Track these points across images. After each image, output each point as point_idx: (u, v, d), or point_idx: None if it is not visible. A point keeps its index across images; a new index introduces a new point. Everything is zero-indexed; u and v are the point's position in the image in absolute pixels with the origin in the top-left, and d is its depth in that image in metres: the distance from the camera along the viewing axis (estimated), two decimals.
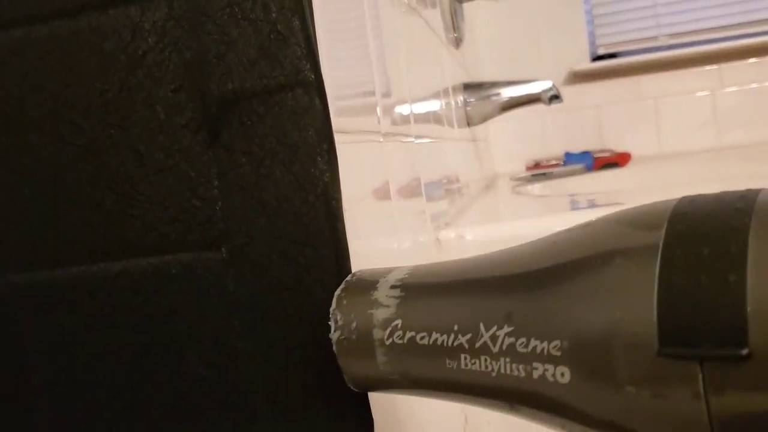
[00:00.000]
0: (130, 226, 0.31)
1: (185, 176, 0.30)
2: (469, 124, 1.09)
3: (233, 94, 0.30)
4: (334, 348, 0.27)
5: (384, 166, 0.42)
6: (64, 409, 0.32)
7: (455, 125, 0.99)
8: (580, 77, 1.66)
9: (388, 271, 0.28)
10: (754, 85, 1.59)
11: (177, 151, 0.30)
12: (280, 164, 0.29)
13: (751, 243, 0.19)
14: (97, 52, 0.31)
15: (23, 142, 0.31)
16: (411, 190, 0.50)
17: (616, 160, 1.44)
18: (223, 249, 0.30)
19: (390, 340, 0.26)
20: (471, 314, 0.24)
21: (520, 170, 1.65)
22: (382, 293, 0.27)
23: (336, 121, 0.31)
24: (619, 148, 1.62)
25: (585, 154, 1.46)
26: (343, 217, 0.29)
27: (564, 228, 0.26)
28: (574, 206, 0.59)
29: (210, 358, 0.30)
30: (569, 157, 1.46)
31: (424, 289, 0.26)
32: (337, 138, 0.30)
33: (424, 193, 0.53)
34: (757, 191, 0.21)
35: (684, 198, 0.22)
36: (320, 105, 0.29)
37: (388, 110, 0.46)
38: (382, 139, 0.43)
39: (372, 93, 0.42)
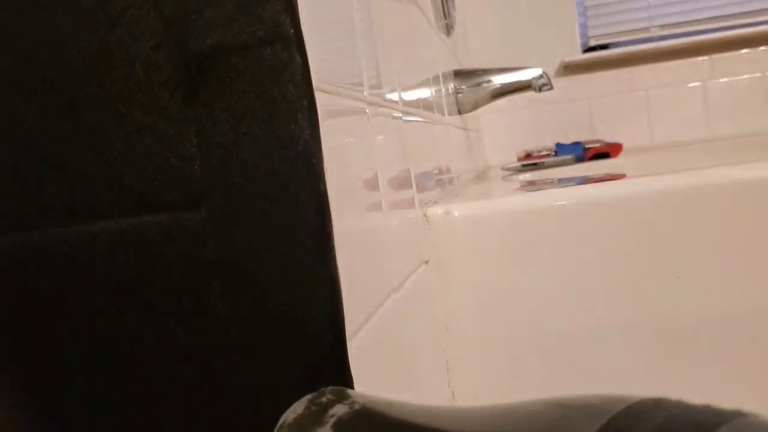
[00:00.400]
0: (108, 186, 0.30)
1: (164, 135, 0.30)
2: (460, 112, 1.09)
3: (212, 51, 0.29)
4: None
5: (372, 154, 0.42)
6: (37, 372, 0.31)
7: (446, 112, 0.99)
8: (571, 69, 1.66)
9: (339, 399, 0.27)
10: (745, 76, 1.59)
11: (155, 110, 0.30)
12: (259, 121, 0.29)
13: None
14: (74, 8, 0.30)
15: None
16: (401, 181, 0.49)
17: (607, 151, 1.43)
18: (202, 209, 0.30)
19: None
20: None
21: (512, 161, 1.65)
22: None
23: (318, 83, 0.30)
24: (611, 139, 1.62)
25: (576, 145, 1.46)
26: (324, 176, 0.29)
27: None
28: (563, 182, 0.58)
29: (189, 320, 0.30)
30: (560, 148, 1.46)
31: None
32: (320, 105, 0.30)
33: (414, 184, 0.53)
34: (721, 420, 0.18)
35: (636, 404, 0.20)
36: (300, 60, 0.29)
37: (375, 92, 0.46)
38: (368, 110, 0.42)
39: (360, 84, 0.42)
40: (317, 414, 0.27)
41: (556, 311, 0.52)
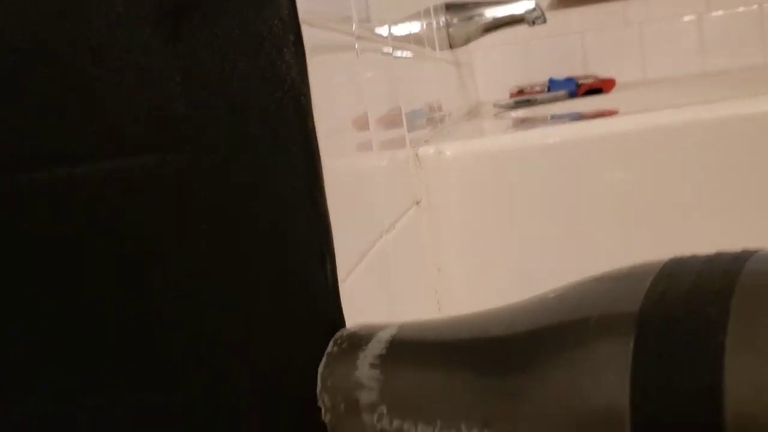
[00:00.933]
0: (90, 127, 0.29)
1: (145, 73, 0.29)
2: (451, 46, 1.07)
3: None
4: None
5: (361, 93, 0.41)
6: (18, 322, 0.31)
7: (437, 47, 0.96)
8: (564, 2, 1.62)
9: (367, 338, 0.27)
10: (741, 9, 1.56)
11: (136, 46, 0.28)
12: (244, 57, 0.28)
13: (732, 328, 0.18)
14: None
15: None
16: (391, 119, 0.48)
17: (600, 86, 1.42)
18: (188, 149, 0.29)
19: (380, 425, 0.25)
20: (452, 411, 0.23)
21: (505, 97, 1.63)
22: (364, 372, 0.25)
23: (305, 17, 0.29)
24: (604, 74, 1.60)
25: (569, 81, 1.44)
26: (312, 113, 0.28)
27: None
28: (555, 119, 0.58)
29: (176, 264, 0.29)
30: (553, 84, 1.44)
31: (405, 372, 0.25)
32: (308, 40, 0.28)
33: (405, 123, 0.52)
34: (748, 254, 0.19)
35: (670, 262, 0.21)
36: None
37: (364, 26, 0.44)
38: (357, 45, 0.41)
39: (349, 17, 0.40)
40: (350, 363, 0.26)
41: (549, 251, 0.52)
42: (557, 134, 0.51)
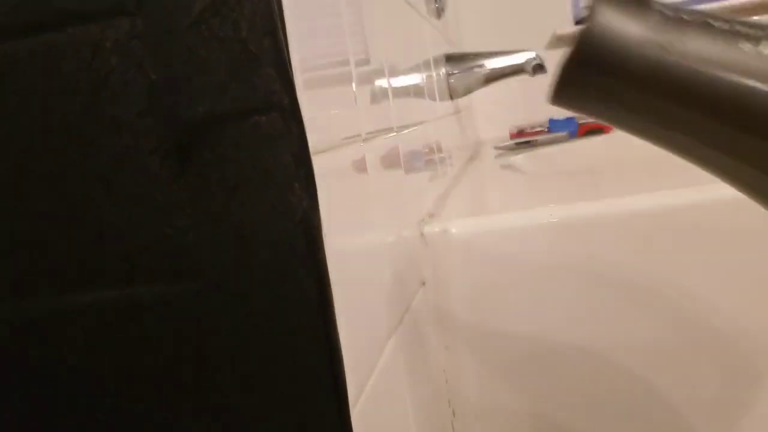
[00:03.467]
0: (99, 256, 0.29)
1: (155, 204, 0.29)
2: (452, 97, 1.07)
3: (203, 118, 0.28)
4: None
5: (360, 150, 0.41)
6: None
7: (437, 98, 0.97)
8: (563, 41, 1.63)
9: None
10: None
11: (146, 178, 0.29)
12: (255, 191, 0.28)
13: None
14: (55, 73, 0.29)
15: None
16: (390, 160, 0.48)
17: (600, 126, 1.42)
18: (197, 279, 0.29)
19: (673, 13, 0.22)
20: None
21: (504, 136, 1.64)
22: None
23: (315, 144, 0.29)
24: None
25: (569, 120, 1.44)
26: (323, 246, 0.28)
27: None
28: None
29: (187, 390, 0.29)
30: (553, 124, 1.44)
31: None
32: (318, 167, 0.29)
33: (404, 166, 0.52)
34: None
35: None
36: (296, 129, 0.27)
37: (364, 81, 0.44)
38: (362, 143, 0.41)
39: (346, 62, 0.41)
40: None
41: (555, 329, 0.52)
42: (563, 212, 0.51)
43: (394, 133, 0.51)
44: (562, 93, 0.25)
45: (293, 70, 0.28)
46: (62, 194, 0.29)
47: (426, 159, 0.70)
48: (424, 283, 0.51)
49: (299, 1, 0.32)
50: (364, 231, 0.39)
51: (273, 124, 0.27)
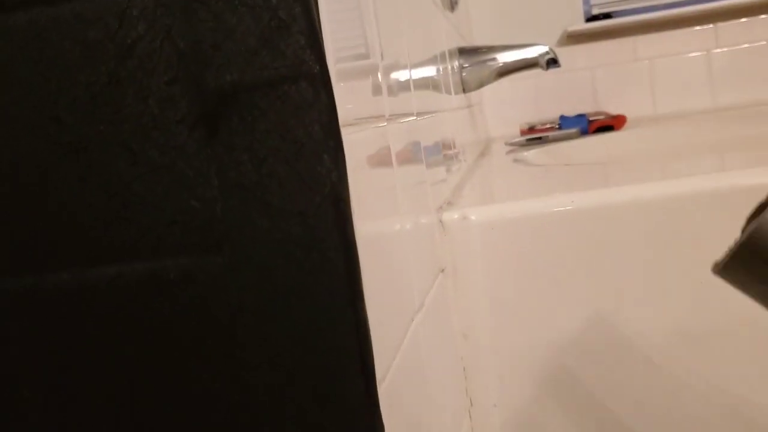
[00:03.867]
0: (124, 228, 0.29)
1: (182, 175, 0.28)
2: (464, 90, 1.07)
3: (232, 87, 0.27)
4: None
5: (384, 133, 0.40)
6: (57, 419, 0.30)
7: (452, 91, 0.96)
8: (574, 38, 1.63)
9: None
10: (749, 45, 1.56)
11: (172, 149, 0.28)
12: (283, 162, 0.27)
13: None
14: (81, 41, 0.28)
15: (2, 140, 0.29)
16: (410, 156, 0.48)
17: (611, 123, 1.42)
18: (224, 252, 0.28)
19: None
20: None
21: (515, 133, 1.63)
22: None
23: (341, 109, 0.29)
24: (614, 109, 1.60)
25: (580, 117, 1.44)
26: (352, 219, 0.27)
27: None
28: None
29: (213, 365, 0.29)
30: (564, 121, 1.44)
31: None
32: (347, 142, 0.28)
33: (424, 159, 0.51)
34: None
35: None
36: (326, 98, 0.27)
37: (386, 75, 0.44)
38: (386, 123, 0.41)
39: (369, 58, 0.40)
40: None
41: (574, 317, 0.51)
42: (583, 200, 0.50)
43: (414, 117, 0.50)
44: (728, 270, 0.30)
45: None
46: (87, 165, 0.29)
47: (443, 153, 0.69)
48: (443, 270, 0.50)
49: None
50: (385, 215, 0.39)
51: (302, 93, 0.27)
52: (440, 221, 0.51)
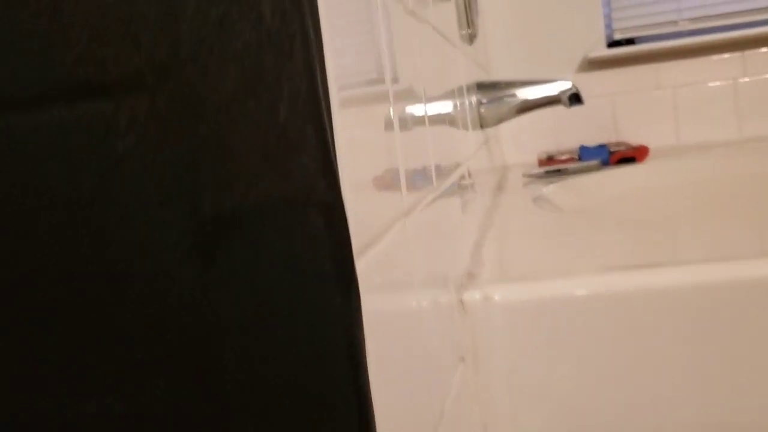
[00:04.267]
0: (110, 361, 0.25)
1: (173, 309, 0.25)
2: (482, 126, 1.03)
3: (232, 213, 0.24)
4: None
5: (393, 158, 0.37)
6: None
7: (469, 127, 0.93)
8: (595, 64, 1.59)
9: None
10: None
11: (162, 279, 0.24)
12: (288, 301, 0.24)
13: None
14: (61, 152, 0.25)
15: None
16: (421, 184, 0.44)
17: (633, 155, 1.37)
18: (218, 397, 0.25)
19: None
20: None
21: (531, 161, 1.59)
22: None
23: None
24: (635, 139, 1.56)
25: (601, 148, 1.39)
26: (367, 372, 0.24)
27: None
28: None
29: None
30: (584, 152, 1.39)
31: None
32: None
33: (434, 180, 0.48)
34: None
35: None
36: (339, 232, 0.23)
37: (399, 104, 0.40)
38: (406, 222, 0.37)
39: (381, 82, 0.36)
40: None
41: (601, 406, 0.47)
42: (612, 284, 0.46)
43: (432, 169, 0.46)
44: None
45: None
46: (68, 293, 0.25)
47: (457, 185, 0.66)
48: (463, 359, 0.46)
49: (333, 22, 0.28)
50: (400, 293, 0.35)
51: (312, 222, 0.23)
52: (461, 302, 0.47)
